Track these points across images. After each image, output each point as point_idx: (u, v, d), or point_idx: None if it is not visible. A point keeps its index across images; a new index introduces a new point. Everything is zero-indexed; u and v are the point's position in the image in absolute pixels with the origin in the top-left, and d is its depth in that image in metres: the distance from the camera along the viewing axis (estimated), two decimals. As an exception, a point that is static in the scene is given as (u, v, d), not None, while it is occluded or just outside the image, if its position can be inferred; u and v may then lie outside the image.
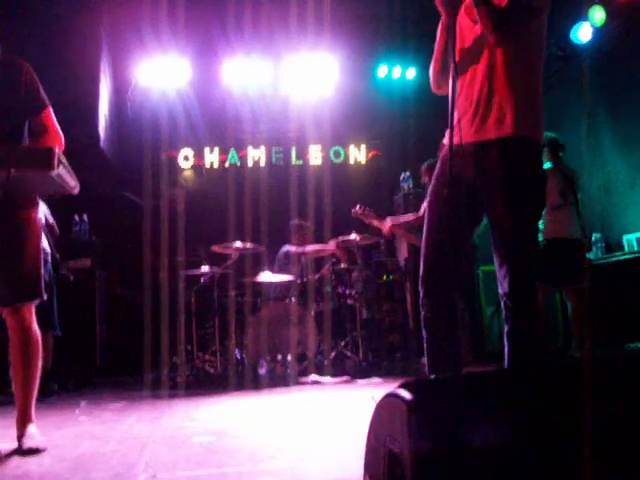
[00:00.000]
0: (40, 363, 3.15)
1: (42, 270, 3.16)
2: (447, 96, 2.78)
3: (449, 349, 2.80)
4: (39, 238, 3.15)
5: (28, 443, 2.97)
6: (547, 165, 5.75)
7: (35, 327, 3.12)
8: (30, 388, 3.10)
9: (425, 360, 2.96)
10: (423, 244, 2.87)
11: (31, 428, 3.08)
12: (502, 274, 2.71)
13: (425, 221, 2.87)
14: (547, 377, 1.49)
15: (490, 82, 2.71)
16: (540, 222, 5.75)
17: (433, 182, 2.88)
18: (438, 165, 2.90)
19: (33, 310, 3.12)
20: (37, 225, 3.13)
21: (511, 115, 2.64)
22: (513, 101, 2.66)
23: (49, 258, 5.56)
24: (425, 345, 2.88)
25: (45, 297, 3.18)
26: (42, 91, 3.13)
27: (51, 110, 3.14)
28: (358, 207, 6.52)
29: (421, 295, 2.88)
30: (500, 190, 2.65)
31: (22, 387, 3.08)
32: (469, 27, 2.85)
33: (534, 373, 1.51)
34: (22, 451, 2.94)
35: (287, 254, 6.96)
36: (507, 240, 2.71)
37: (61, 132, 3.14)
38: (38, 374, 3.14)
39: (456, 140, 2.59)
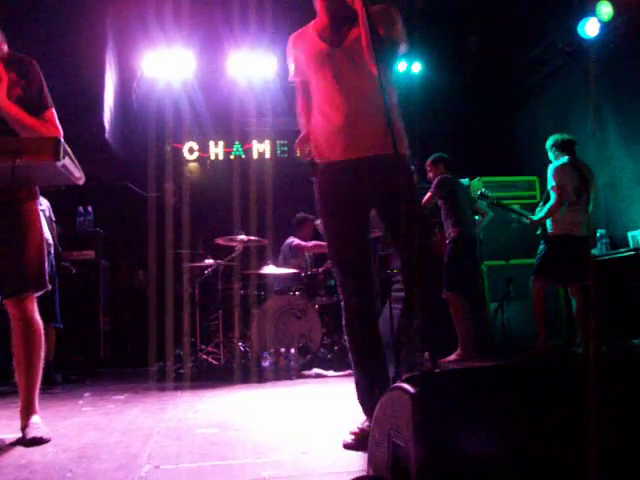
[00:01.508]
0: (43, 354, 3.15)
1: (45, 261, 3.17)
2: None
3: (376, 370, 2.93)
4: (41, 229, 3.17)
5: (32, 433, 2.98)
6: (563, 160, 5.75)
7: (37, 318, 3.13)
8: (33, 379, 3.10)
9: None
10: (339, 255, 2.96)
11: (35, 418, 3.09)
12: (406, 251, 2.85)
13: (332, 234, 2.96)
14: (552, 372, 1.49)
15: (371, 105, 2.84)
16: (549, 218, 5.77)
17: (329, 198, 2.95)
18: (327, 181, 2.96)
19: (35, 301, 3.13)
20: (38, 216, 3.14)
21: (391, 135, 2.60)
22: (395, 123, 2.80)
23: (52, 250, 5.58)
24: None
25: (49, 287, 3.19)
26: (47, 91, 3.14)
27: (54, 111, 3.14)
28: None
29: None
30: (401, 194, 2.73)
31: (25, 378, 3.09)
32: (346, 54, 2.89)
33: (539, 368, 1.50)
34: (26, 441, 2.95)
35: (291, 246, 6.96)
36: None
37: (62, 132, 3.13)
38: (41, 365, 3.14)
39: (344, 155, 2.85)
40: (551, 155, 5.93)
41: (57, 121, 3.14)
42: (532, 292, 5.90)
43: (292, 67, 3.09)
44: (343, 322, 2.98)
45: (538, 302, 5.85)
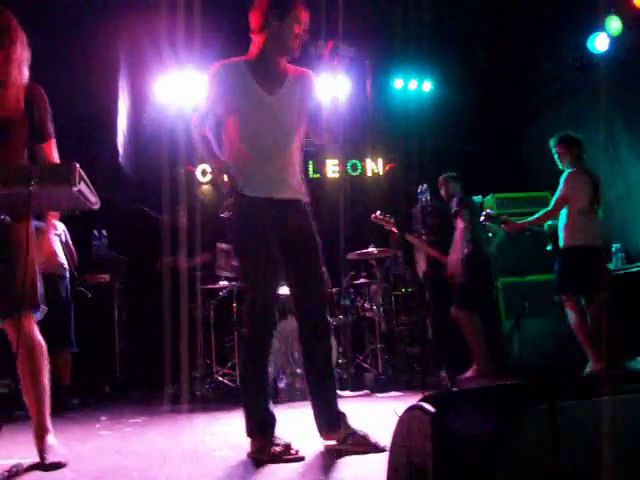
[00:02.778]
0: (48, 372, 3.15)
1: (37, 280, 3.14)
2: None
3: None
4: (32, 250, 3.14)
5: (50, 458, 2.98)
6: (569, 170, 5.47)
7: (38, 336, 3.12)
8: (42, 397, 3.10)
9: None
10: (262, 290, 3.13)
11: (50, 439, 3.09)
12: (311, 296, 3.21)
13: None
14: (572, 390, 1.48)
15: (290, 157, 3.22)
16: (561, 228, 5.47)
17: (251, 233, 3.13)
18: (246, 218, 3.16)
19: (33, 321, 3.12)
20: (30, 236, 3.12)
21: (301, 184, 3.28)
22: (300, 173, 3.30)
23: (66, 274, 5.61)
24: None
25: (43, 307, 3.17)
26: (51, 121, 3.19)
27: (54, 142, 3.19)
28: (379, 213, 6.60)
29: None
30: (310, 235, 3.22)
31: (34, 397, 3.09)
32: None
33: (558, 387, 1.49)
34: (44, 466, 2.95)
35: None
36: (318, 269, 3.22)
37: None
38: (47, 382, 3.14)
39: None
40: (555, 154, 5.63)
41: (56, 152, 3.20)
42: (568, 313, 5.39)
43: (214, 97, 3.21)
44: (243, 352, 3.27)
45: (578, 322, 5.31)
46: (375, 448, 2.94)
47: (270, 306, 3.13)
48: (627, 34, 6.71)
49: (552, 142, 5.62)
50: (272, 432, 3.06)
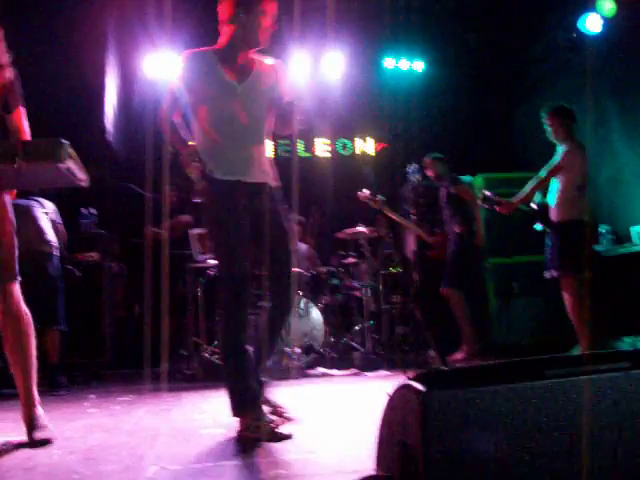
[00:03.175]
0: (34, 343, 3.16)
1: (16, 252, 3.12)
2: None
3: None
4: (8, 222, 3.11)
5: (38, 435, 2.99)
6: (566, 144, 5.25)
7: (23, 307, 3.13)
8: (29, 367, 3.11)
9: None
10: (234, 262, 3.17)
11: (38, 410, 3.11)
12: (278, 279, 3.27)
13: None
14: (563, 368, 1.48)
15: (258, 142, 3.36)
16: (555, 202, 5.26)
17: (225, 211, 3.21)
18: (218, 198, 3.24)
19: (18, 291, 3.12)
20: (5, 209, 3.10)
21: (269, 168, 3.43)
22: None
23: (55, 252, 5.57)
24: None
25: (19, 278, 3.16)
26: (18, 90, 3.15)
27: (23, 110, 3.15)
28: (367, 191, 6.57)
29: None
30: (278, 219, 3.34)
31: (22, 368, 3.10)
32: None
33: (549, 364, 1.50)
34: (32, 442, 2.97)
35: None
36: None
37: (29, 134, 3.15)
38: (34, 352, 3.15)
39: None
40: (546, 126, 5.39)
41: (26, 122, 3.17)
42: (566, 294, 5.13)
43: (184, 84, 3.27)
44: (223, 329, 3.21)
45: (576, 302, 5.06)
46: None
47: (246, 282, 3.16)
48: (620, 15, 6.68)
49: (543, 112, 5.40)
50: (258, 409, 3.09)
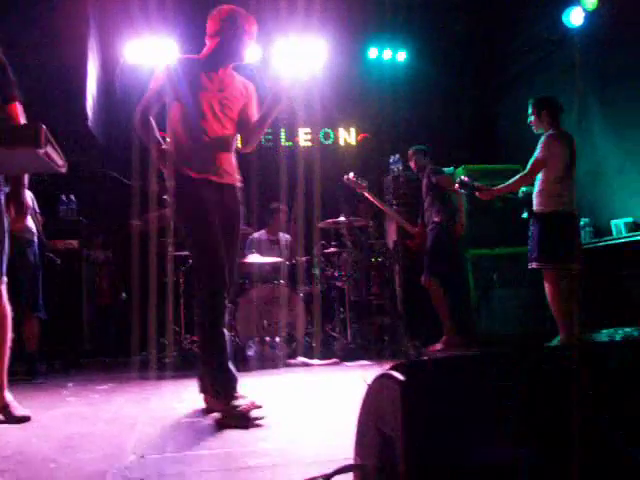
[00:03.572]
0: (9, 334, 3.22)
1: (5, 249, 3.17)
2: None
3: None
4: None
5: (16, 412, 3.13)
6: (547, 132, 5.21)
7: (6, 304, 3.20)
8: (2, 354, 3.20)
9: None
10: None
11: (8, 395, 3.22)
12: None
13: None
14: (543, 359, 1.49)
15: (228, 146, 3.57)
16: (537, 193, 5.21)
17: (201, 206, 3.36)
18: (188, 192, 3.40)
19: (3, 289, 3.18)
20: None
21: (235, 170, 3.61)
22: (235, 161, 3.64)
23: (35, 239, 5.52)
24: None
25: (4, 271, 3.18)
26: (13, 83, 3.18)
27: (19, 105, 3.18)
28: (352, 175, 6.61)
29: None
30: (237, 221, 3.58)
31: None
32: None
33: (530, 355, 1.50)
34: (12, 418, 3.11)
35: (252, 242, 7.01)
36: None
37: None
38: (8, 342, 3.23)
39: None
40: (531, 117, 5.37)
41: (22, 115, 3.20)
42: (546, 285, 5.10)
43: (165, 84, 3.47)
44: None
45: (556, 293, 5.04)
46: None
47: (221, 269, 3.27)
48: (603, 9, 6.70)
49: (529, 104, 5.38)
50: (235, 392, 3.17)
